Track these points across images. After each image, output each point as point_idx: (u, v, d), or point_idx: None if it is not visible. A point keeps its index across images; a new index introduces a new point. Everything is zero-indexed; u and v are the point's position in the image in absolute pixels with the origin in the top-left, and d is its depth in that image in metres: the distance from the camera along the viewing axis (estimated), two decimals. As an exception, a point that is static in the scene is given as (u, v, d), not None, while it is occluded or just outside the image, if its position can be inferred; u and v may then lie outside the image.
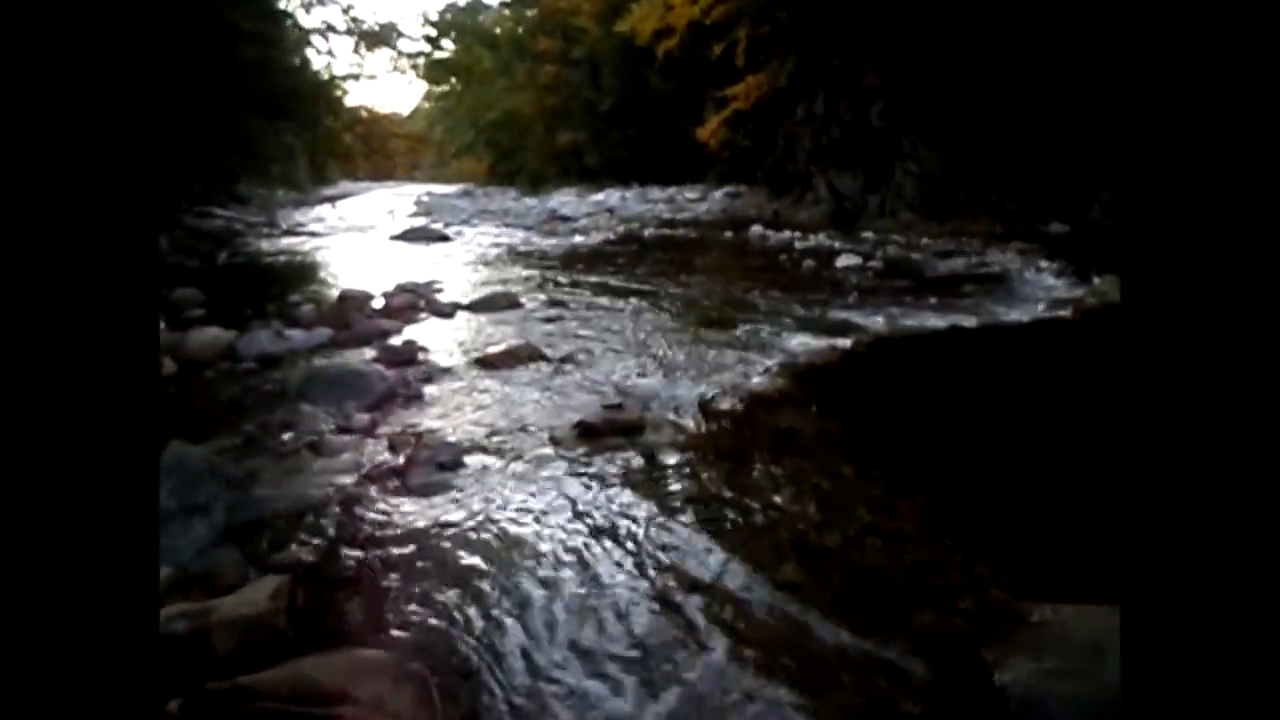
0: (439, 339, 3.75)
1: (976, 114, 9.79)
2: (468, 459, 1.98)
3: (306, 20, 14.09)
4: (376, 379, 2.78)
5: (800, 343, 3.52)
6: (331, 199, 20.26)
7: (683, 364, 3.21)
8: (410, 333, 3.86)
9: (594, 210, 13.77)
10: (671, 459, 1.99)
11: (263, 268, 7.15)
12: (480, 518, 1.70)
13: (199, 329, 3.36)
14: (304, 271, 6.79)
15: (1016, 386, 2.92)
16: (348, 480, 1.89)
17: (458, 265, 6.79)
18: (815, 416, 2.38)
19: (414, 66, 15.61)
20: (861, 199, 11.10)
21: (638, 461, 1.98)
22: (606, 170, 20.05)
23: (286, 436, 2.28)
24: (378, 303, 4.67)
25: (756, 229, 9.27)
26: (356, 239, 9.89)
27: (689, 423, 2.28)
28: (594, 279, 5.76)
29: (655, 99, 18.22)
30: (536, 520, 1.68)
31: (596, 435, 2.09)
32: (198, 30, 9.77)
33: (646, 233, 9.83)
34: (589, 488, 1.84)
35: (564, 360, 3.28)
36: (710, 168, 16.16)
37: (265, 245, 9.17)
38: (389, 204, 19.25)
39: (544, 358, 3.34)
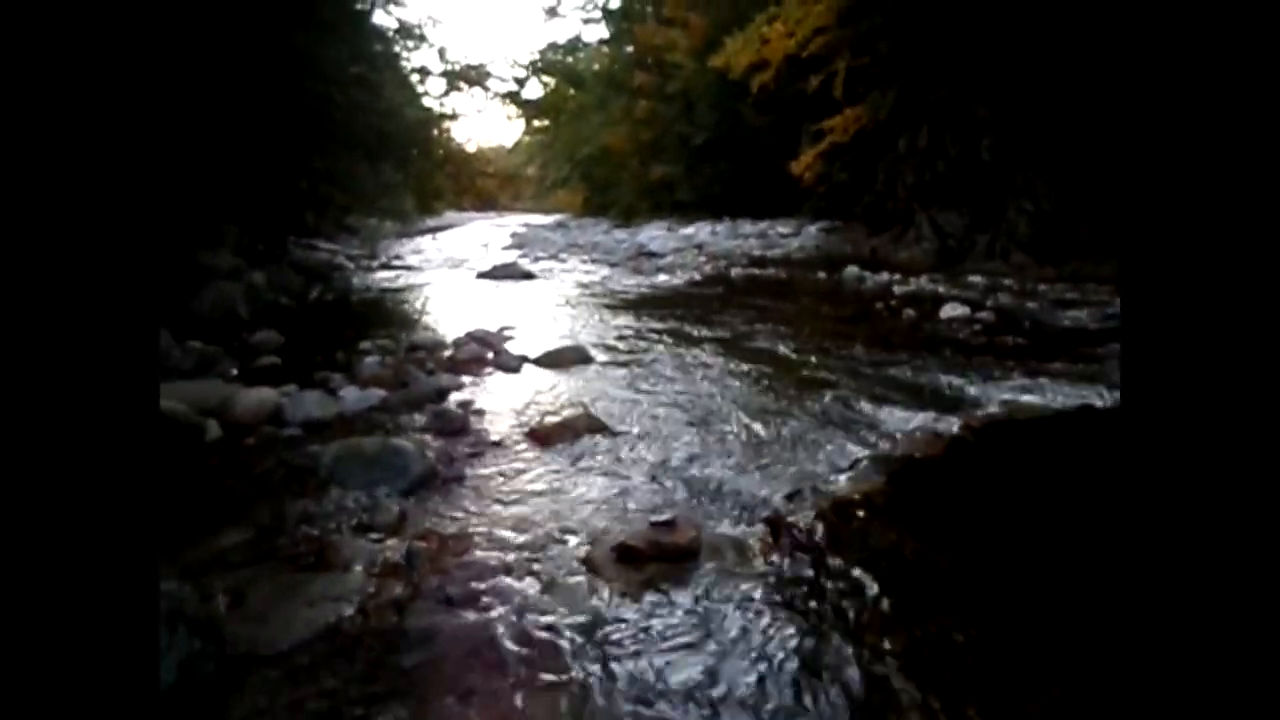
0: (498, 401, 3.50)
1: (1097, 146, 8.95)
2: (481, 584, 1.66)
3: (406, 63, 14.59)
4: (416, 458, 2.52)
5: (897, 422, 3.06)
6: (434, 230, 20.89)
7: (758, 445, 2.81)
8: (470, 392, 3.63)
9: (682, 245, 13.50)
10: (725, 610, 1.60)
11: (349, 307, 7.20)
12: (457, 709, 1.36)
13: (247, 390, 3.22)
14: (385, 313, 6.77)
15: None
16: (346, 611, 1.60)
17: (536, 308, 6.61)
18: (914, 544, 1.93)
19: (510, 104, 15.95)
20: (968, 238, 10.35)
21: (680, 613, 1.59)
22: (698, 204, 19.80)
23: (300, 533, 2.03)
24: (447, 351, 4.50)
25: (852, 270, 8.73)
26: (447, 275, 9.96)
27: (753, 548, 1.88)
28: (672, 326, 5.43)
29: (749, 133, 17.88)
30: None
31: (638, 561, 1.73)
32: (306, 74, 10.19)
33: (734, 272, 9.44)
34: (610, 661, 1.46)
35: (624, 435, 2.95)
36: (804, 202, 15.63)
37: (359, 281, 9.34)
38: (486, 236, 19.69)
39: (604, 429, 3.02)
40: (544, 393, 3.65)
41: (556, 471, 2.54)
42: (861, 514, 2.11)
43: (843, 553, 1.86)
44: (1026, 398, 3.39)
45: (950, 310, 5.86)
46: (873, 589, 1.68)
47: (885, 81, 12.02)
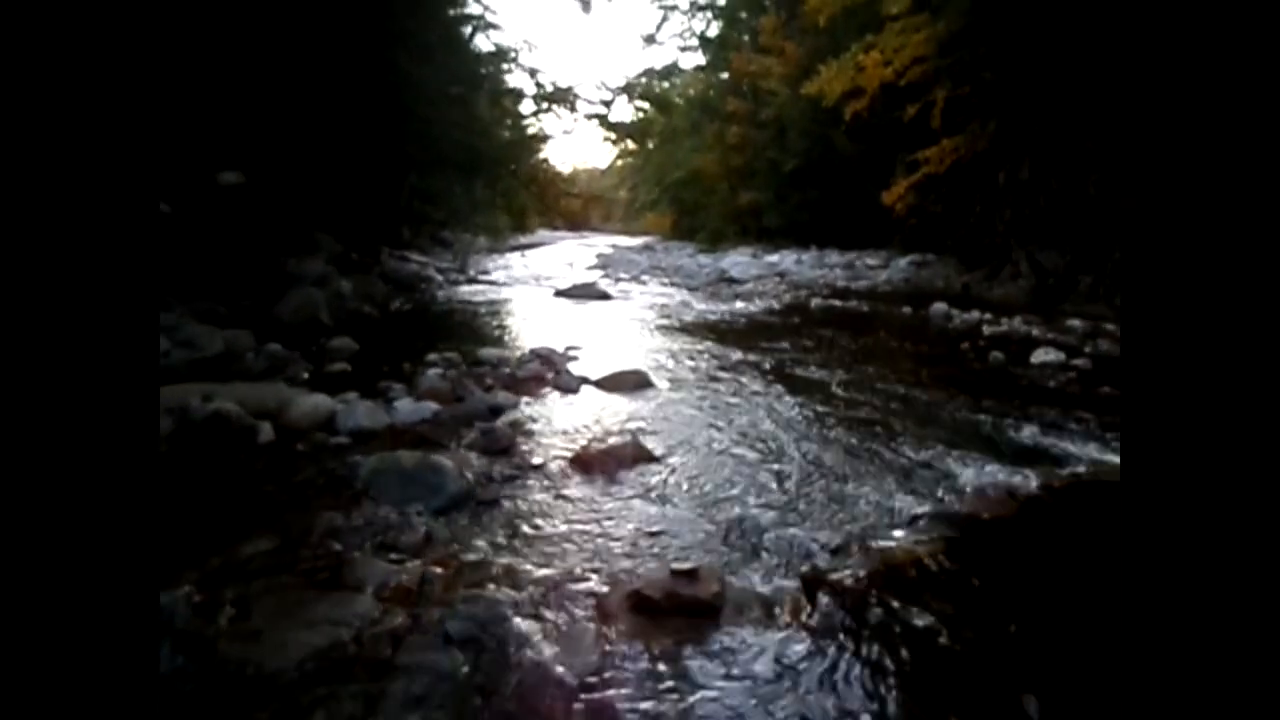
0: (549, 422, 3.44)
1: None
2: (484, 623, 1.56)
3: (500, 85, 15.04)
4: (453, 476, 2.47)
5: (968, 475, 2.81)
6: (524, 248, 21.40)
7: (812, 489, 2.63)
8: (523, 411, 3.58)
9: (765, 273, 13.27)
10: (732, 687, 1.44)
11: (428, 318, 7.36)
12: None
13: (305, 394, 3.27)
14: (460, 326, 6.87)
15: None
16: (344, 636, 1.54)
17: (606, 329, 6.57)
18: (966, 624, 1.72)
19: (600, 126, 16.21)
20: (1070, 278, 9.74)
21: (683, 683, 1.43)
22: (786, 231, 19.52)
23: (322, 547, 2.00)
24: (509, 368, 4.49)
25: (940, 306, 8.31)
26: (528, 291, 10.09)
27: (783, 607, 1.72)
28: (741, 356, 5.26)
29: (840, 161, 17.53)
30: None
31: (653, 613, 1.60)
32: (406, 93, 10.62)
33: (814, 302, 9.17)
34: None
35: (671, 467, 2.82)
36: (895, 234, 15.15)
37: (443, 293, 9.57)
38: (574, 255, 20.00)
39: (651, 459, 2.90)
40: (597, 417, 3.56)
41: (593, 502, 2.44)
42: (912, 577, 1.91)
43: (881, 625, 1.67)
44: (1116, 457, 3.06)
45: (1043, 355, 5.47)
46: (908, 678, 1.49)
47: (986, 112, 11.53)
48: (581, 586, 1.78)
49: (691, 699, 1.38)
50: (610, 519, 2.29)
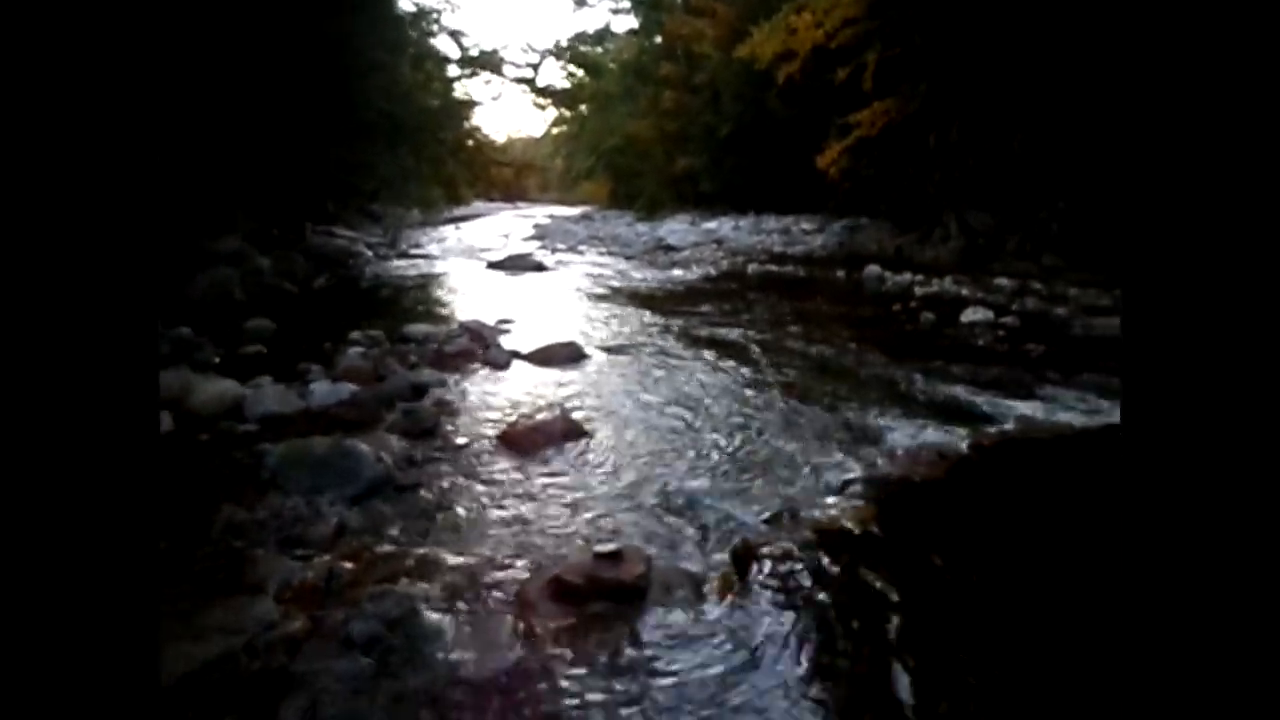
0: (477, 399, 3.31)
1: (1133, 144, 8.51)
2: (392, 622, 1.44)
3: (422, 48, 14.43)
4: (369, 462, 2.33)
5: (901, 436, 2.80)
6: (459, 220, 20.82)
7: (745, 458, 2.58)
8: (450, 389, 3.44)
9: (702, 240, 13.23)
10: (656, 671, 1.37)
11: (353, 295, 7.07)
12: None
13: (211, 379, 3.06)
14: (388, 302, 6.61)
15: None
16: (236, 645, 1.40)
17: (541, 301, 6.41)
18: (898, 588, 1.69)
19: (529, 91, 15.77)
20: (997, 238, 9.96)
21: (602, 673, 1.35)
22: (722, 197, 19.47)
23: (222, 545, 1.85)
24: (436, 344, 4.32)
25: (873, 269, 8.40)
26: (461, 264, 9.80)
27: (712, 585, 1.65)
28: (677, 324, 5.19)
29: (774, 125, 17.48)
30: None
31: (575, 599, 1.51)
32: (325, 58, 10.07)
33: (751, 268, 9.17)
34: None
35: (602, 442, 2.74)
36: (830, 198, 15.24)
37: (371, 269, 9.21)
38: (510, 226, 19.57)
39: (581, 434, 2.81)
40: (528, 391, 3.45)
41: (519, 482, 2.33)
42: (844, 546, 1.87)
43: (813, 596, 1.62)
44: (1046, 414, 3.11)
45: (972, 314, 5.56)
46: (838, 650, 1.45)
47: (916, 74, 11.61)
48: (501, 574, 1.69)
49: (612, 691, 1.30)
50: (536, 499, 2.19)
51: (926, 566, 1.81)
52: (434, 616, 1.47)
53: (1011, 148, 9.95)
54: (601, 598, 1.51)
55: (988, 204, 10.27)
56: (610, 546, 1.62)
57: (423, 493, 2.24)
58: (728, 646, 1.44)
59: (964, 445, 2.68)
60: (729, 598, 1.59)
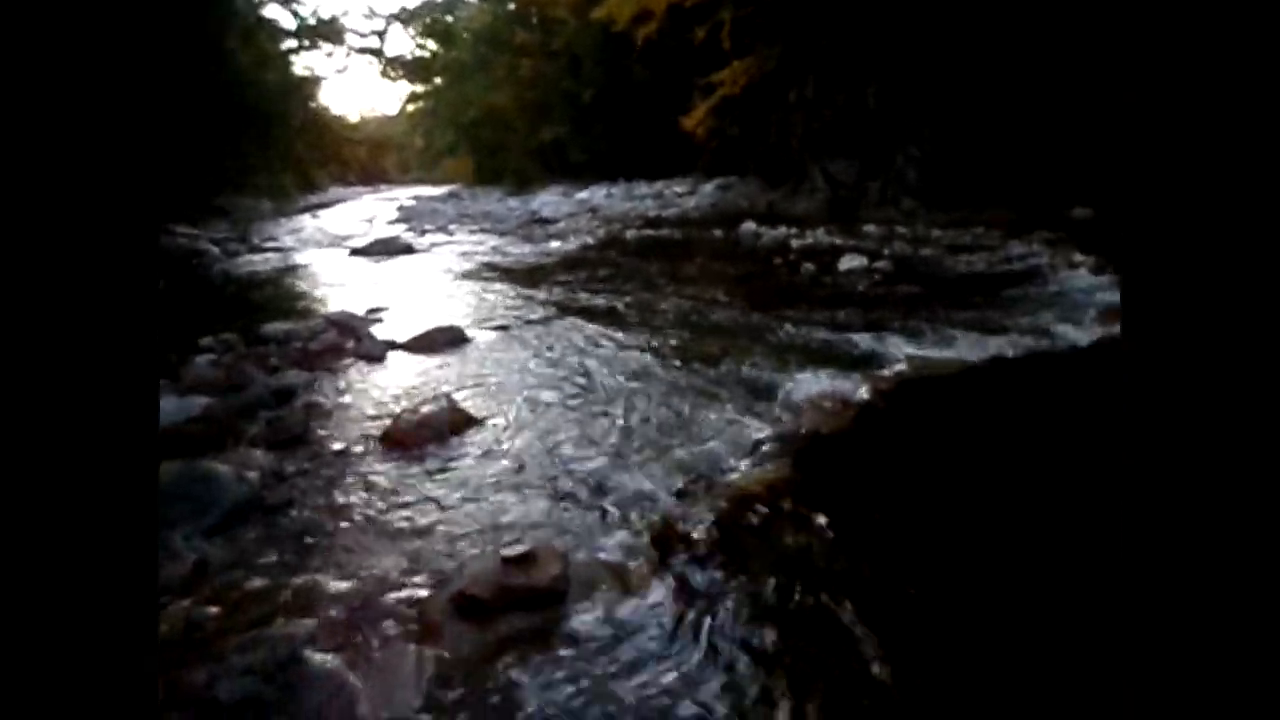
0: (352, 397, 3.01)
1: (981, 90, 8.99)
2: (265, 674, 1.22)
3: (251, 19, 13.23)
4: (228, 484, 2.04)
5: (801, 388, 2.76)
6: (316, 208, 19.48)
7: (648, 429, 2.46)
8: (319, 389, 3.11)
9: (576, 210, 12.99)
10: (589, 691, 1.22)
11: (199, 298, 6.40)
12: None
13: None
14: (241, 301, 6.03)
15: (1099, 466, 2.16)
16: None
17: (413, 286, 6.03)
18: (827, 547, 1.62)
19: (376, 62, 14.80)
20: (860, 187, 10.32)
21: (530, 703, 1.19)
22: (591, 166, 19.23)
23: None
24: (300, 342, 3.93)
25: (749, 225, 8.50)
26: (321, 255, 9.12)
27: (637, 574, 1.52)
28: (560, 297, 5.00)
29: (637, 89, 17.38)
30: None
31: (487, 616, 1.34)
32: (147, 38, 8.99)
33: (629, 234, 9.05)
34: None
35: (495, 430, 2.54)
36: (699, 159, 15.35)
37: (220, 267, 8.40)
38: (373, 211, 18.50)
39: (472, 424, 2.60)
40: (409, 383, 3.18)
41: (408, 485, 2.11)
42: (765, 511, 1.78)
43: (744, 569, 1.52)
44: (934, 352, 3.17)
45: (848, 262, 5.68)
46: (782, 619, 1.35)
47: (771, 32, 11.76)
48: (397, 596, 1.48)
49: (536, 717, 1.14)
50: (429, 502, 1.98)
51: (853, 522, 1.75)
52: (319, 659, 1.25)
53: (865, 99, 10.28)
54: (515, 608, 1.35)
55: (849, 154, 10.59)
56: (519, 548, 1.45)
57: (295, 512, 1.98)
58: (663, 643, 1.31)
59: (864, 391, 2.67)
60: (656, 586, 1.46)
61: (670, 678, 1.21)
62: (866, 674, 1.25)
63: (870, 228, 7.96)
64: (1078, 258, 5.17)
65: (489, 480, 2.11)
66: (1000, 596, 1.47)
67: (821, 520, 1.73)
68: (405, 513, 1.92)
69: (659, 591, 1.45)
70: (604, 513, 1.85)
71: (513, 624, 1.33)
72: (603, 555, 1.60)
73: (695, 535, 1.67)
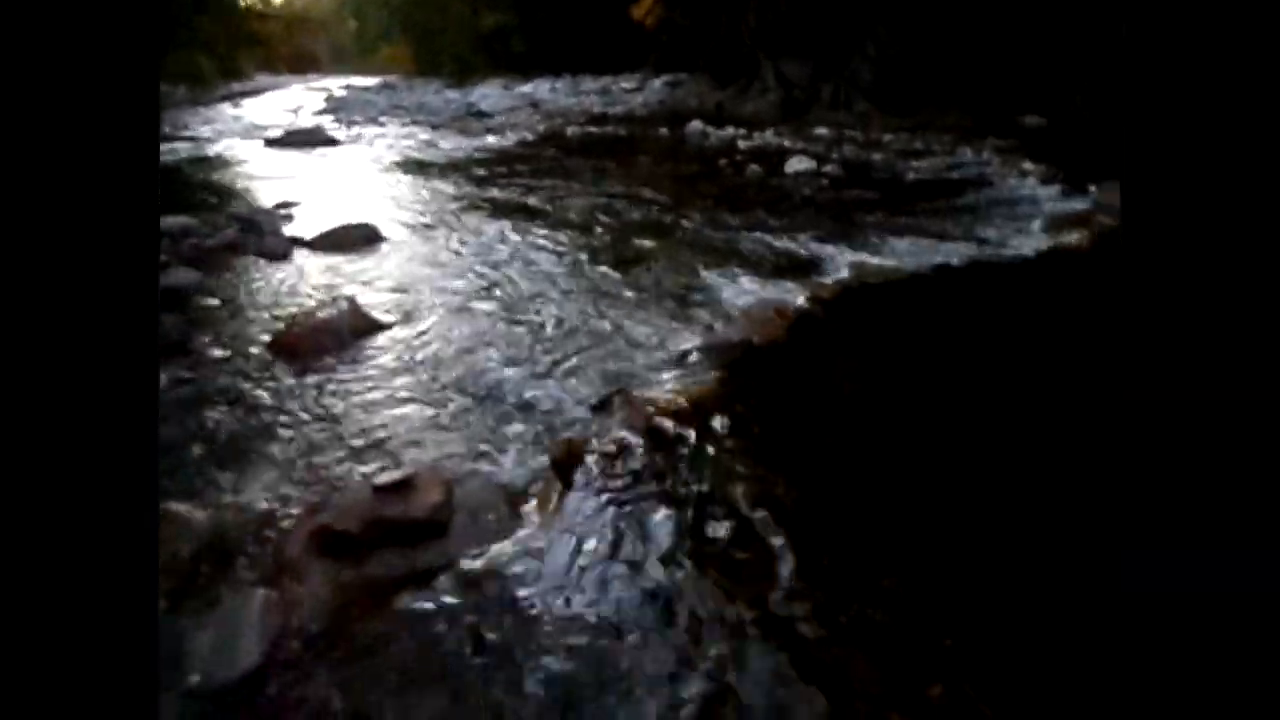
0: (244, 300, 2.72)
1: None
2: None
3: None
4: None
5: (737, 295, 2.59)
6: (237, 97, 18.02)
7: (569, 337, 2.27)
8: (210, 290, 2.81)
9: (517, 104, 12.27)
10: (479, 629, 1.06)
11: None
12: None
13: None
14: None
15: (1045, 384, 2.06)
16: None
17: (331, 180, 5.57)
18: (751, 472, 1.47)
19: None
20: (813, 88, 9.92)
21: (408, 647, 1.03)
22: (536, 58, 18.14)
23: None
24: (195, 239, 3.56)
25: (696, 125, 8.11)
26: (236, 146, 8.41)
27: (535, 501, 1.35)
28: (493, 195, 4.66)
29: (586, -26, 16.26)
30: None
31: (353, 554, 1.16)
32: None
33: (570, 130, 8.57)
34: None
35: (401, 336, 2.31)
36: (649, 54, 14.57)
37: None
38: (299, 101, 17.20)
39: (376, 327, 2.37)
40: (312, 284, 2.89)
41: (293, 398, 1.88)
42: (686, 429, 1.62)
43: (656, 492, 1.37)
44: (877, 259, 3.01)
45: (796, 164, 5.43)
46: (694, 549, 1.20)
47: (725, -88, 10.96)
48: (256, 531, 1.28)
49: (404, 683, 0.98)
50: (314, 419, 1.76)
51: (778, 441, 1.61)
52: (165, 611, 1.06)
53: (823, -9, 9.75)
54: (388, 543, 1.17)
55: (802, 54, 10.13)
56: (396, 474, 1.26)
57: (175, 425, 1.74)
58: (554, 581, 1.16)
59: (801, 300, 2.51)
60: (554, 515, 1.30)
61: (561, 624, 1.06)
62: (788, 605, 1.12)
63: (821, 130, 7.67)
64: (1027, 166, 5.03)
65: (386, 393, 1.89)
66: (934, 513, 1.36)
67: (745, 437, 1.58)
68: (285, 431, 1.70)
69: (557, 521, 1.28)
70: (509, 429, 1.66)
71: (384, 561, 1.15)
72: (500, 478, 1.42)
73: (605, 454, 1.50)
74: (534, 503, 1.33)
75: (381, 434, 1.65)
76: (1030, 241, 3.28)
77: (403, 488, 1.23)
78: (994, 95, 7.91)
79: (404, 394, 1.88)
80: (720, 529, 1.29)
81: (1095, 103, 6.98)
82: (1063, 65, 7.55)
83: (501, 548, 1.20)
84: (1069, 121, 6.98)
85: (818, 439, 1.61)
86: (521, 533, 1.25)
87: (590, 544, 1.23)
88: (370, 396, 1.88)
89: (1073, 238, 3.23)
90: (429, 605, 1.10)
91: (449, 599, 1.11)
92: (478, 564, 1.17)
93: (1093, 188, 4.11)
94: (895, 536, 1.30)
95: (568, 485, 1.38)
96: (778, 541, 1.25)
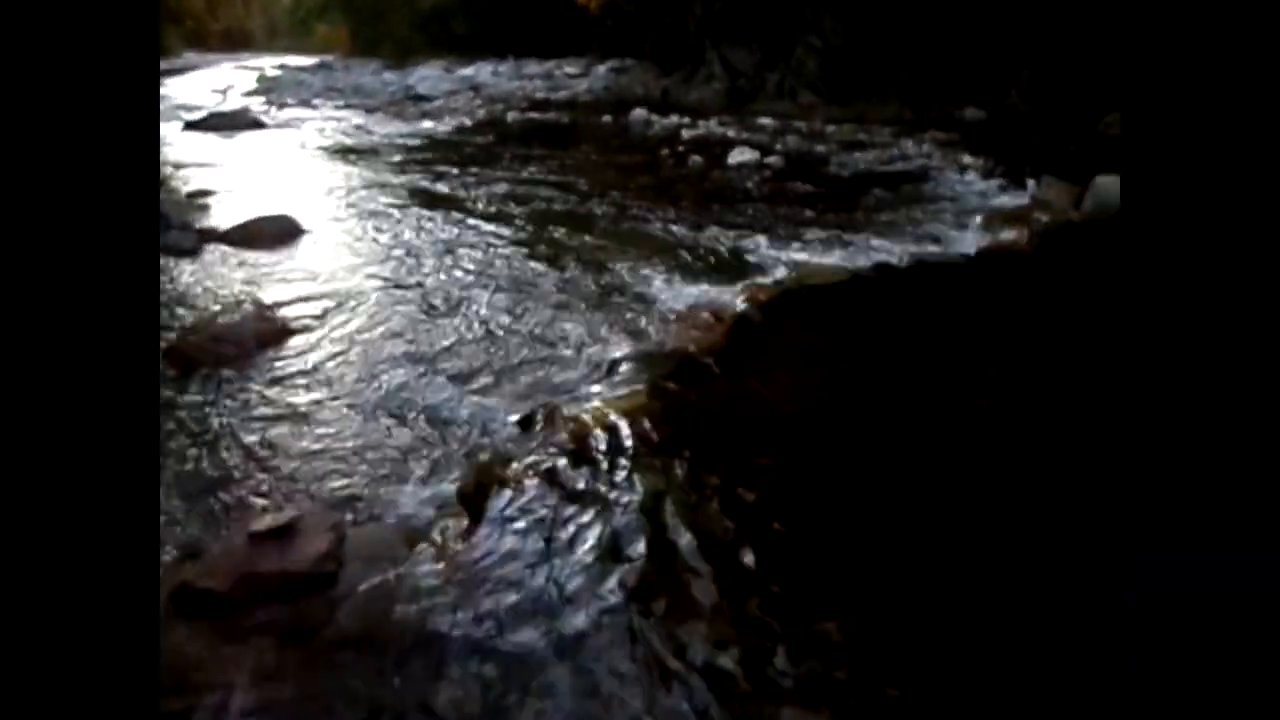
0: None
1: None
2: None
3: None
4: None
5: (674, 296, 2.48)
6: (160, 75, 17.10)
7: (494, 344, 2.13)
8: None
9: (457, 87, 11.92)
10: (364, 697, 0.93)
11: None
12: None
13: None
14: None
15: (991, 404, 2.00)
16: None
17: (253, 167, 5.27)
18: (684, 502, 1.36)
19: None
20: (758, 77, 9.86)
21: None
22: (479, 40, 17.67)
23: None
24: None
25: (640, 113, 7.96)
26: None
27: (439, 541, 1.22)
28: (424, 185, 4.45)
29: (529, -46, 15.87)
30: None
31: (223, 614, 1.01)
32: None
33: (511, 116, 8.33)
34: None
35: (312, 344, 2.14)
36: (594, 39, 14.33)
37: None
38: (229, 80, 16.43)
39: (288, 333, 2.19)
40: (218, 285, 2.68)
41: (177, 422, 1.70)
42: (615, 450, 1.51)
43: (577, 531, 1.25)
44: (820, 257, 2.94)
45: (739, 155, 5.34)
46: (616, 611, 1.09)
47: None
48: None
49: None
50: (201, 443, 1.59)
51: (712, 462, 1.50)
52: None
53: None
54: (263, 601, 1.02)
55: (748, 42, 10.06)
56: (278, 519, 1.11)
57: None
58: (456, 642, 1.03)
59: (740, 302, 2.41)
60: (457, 557, 1.17)
61: (455, 692, 0.94)
62: (714, 654, 1.02)
63: (766, 120, 7.60)
64: (967, 159, 5.04)
65: (286, 411, 1.73)
66: (879, 544, 1.28)
67: (678, 457, 1.48)
68: (165, 460, 1.53)
69: (461, 564, 1.15)
70: (419, 453, 1.52)
71: (257, 620, 1.01)
72: (403, 513, 1.28)
73: (522, 480, 1.38)
74: (437, 543, 1.20)
75: (275, 463, 1.49)
76: (971, 238, 3.25)
77: (285, 534, 1.09)
78: (935, 88, 7.96)
79: (307, 413, 1.72)
80: (646, 568, 1.18)
81: (1031, 97, 7.08)
82: (1001, 59, 7.63)
83: (393, 601, 1.07)
84: (1006, 114, 7.06)
85: (754, 461, 1.51)
86: (418, 582, 1.11)
87: (496, 594, 1.10)
88: (268, 417, 1.71)
89: (1012, 235, 3.21)
90: (296, 674, 0.96)
91: (323, 665, 0.97)
92: (363, 622, 1.03)
93: (1031, 182, 4.12)
94: (837, 571, 1.22)
95: (476, 520, 1.25)
96: (705, 582, 1.14)
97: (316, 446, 1.54)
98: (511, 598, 1.10)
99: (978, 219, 3.53)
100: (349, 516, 1.23)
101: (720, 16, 10.28)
